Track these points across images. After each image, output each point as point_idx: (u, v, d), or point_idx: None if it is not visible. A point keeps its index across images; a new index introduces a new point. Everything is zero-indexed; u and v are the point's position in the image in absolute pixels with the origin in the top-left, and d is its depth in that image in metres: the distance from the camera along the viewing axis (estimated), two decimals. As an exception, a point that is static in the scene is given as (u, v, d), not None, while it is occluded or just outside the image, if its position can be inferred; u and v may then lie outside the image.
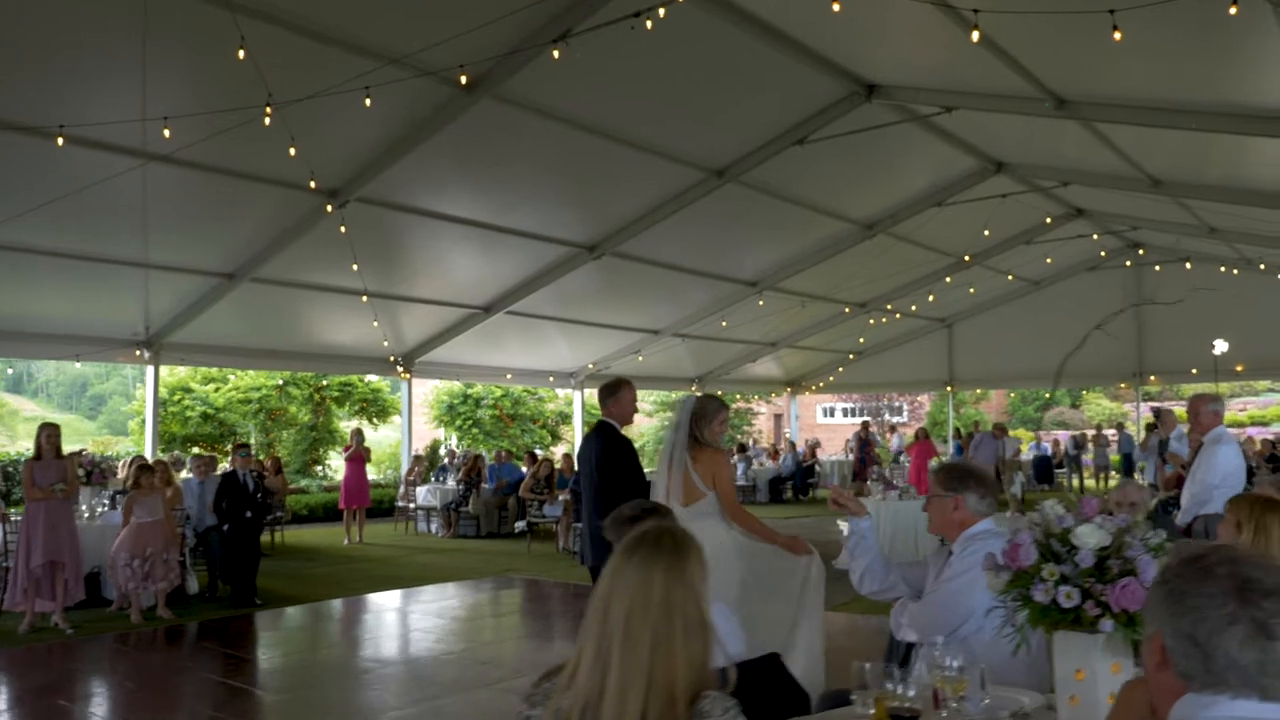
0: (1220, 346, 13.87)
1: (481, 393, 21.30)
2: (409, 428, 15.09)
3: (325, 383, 17.82)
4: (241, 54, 6.76)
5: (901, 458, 20.05)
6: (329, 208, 9.60)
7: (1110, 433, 23.93)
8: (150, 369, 12.46)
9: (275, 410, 17.41)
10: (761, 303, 15.64)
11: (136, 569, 7.70)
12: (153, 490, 8.01)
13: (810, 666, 4.91)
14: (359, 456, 13.12)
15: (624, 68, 9.11)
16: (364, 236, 10.57)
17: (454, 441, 20.61)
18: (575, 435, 19.18)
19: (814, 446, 21.60)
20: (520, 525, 13.78)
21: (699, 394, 6.96)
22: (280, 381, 17.50)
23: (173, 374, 17.07)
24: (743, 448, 20.76)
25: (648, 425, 28.77)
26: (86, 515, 8.61)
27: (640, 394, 29.40)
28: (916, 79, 9.98)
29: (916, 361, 20.81)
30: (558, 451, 18.92)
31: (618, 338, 16.62)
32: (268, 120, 7.41)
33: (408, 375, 14.68)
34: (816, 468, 19.81)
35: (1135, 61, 8.52)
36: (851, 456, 20.73)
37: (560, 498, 12.98)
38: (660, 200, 11.92)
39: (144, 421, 13.34)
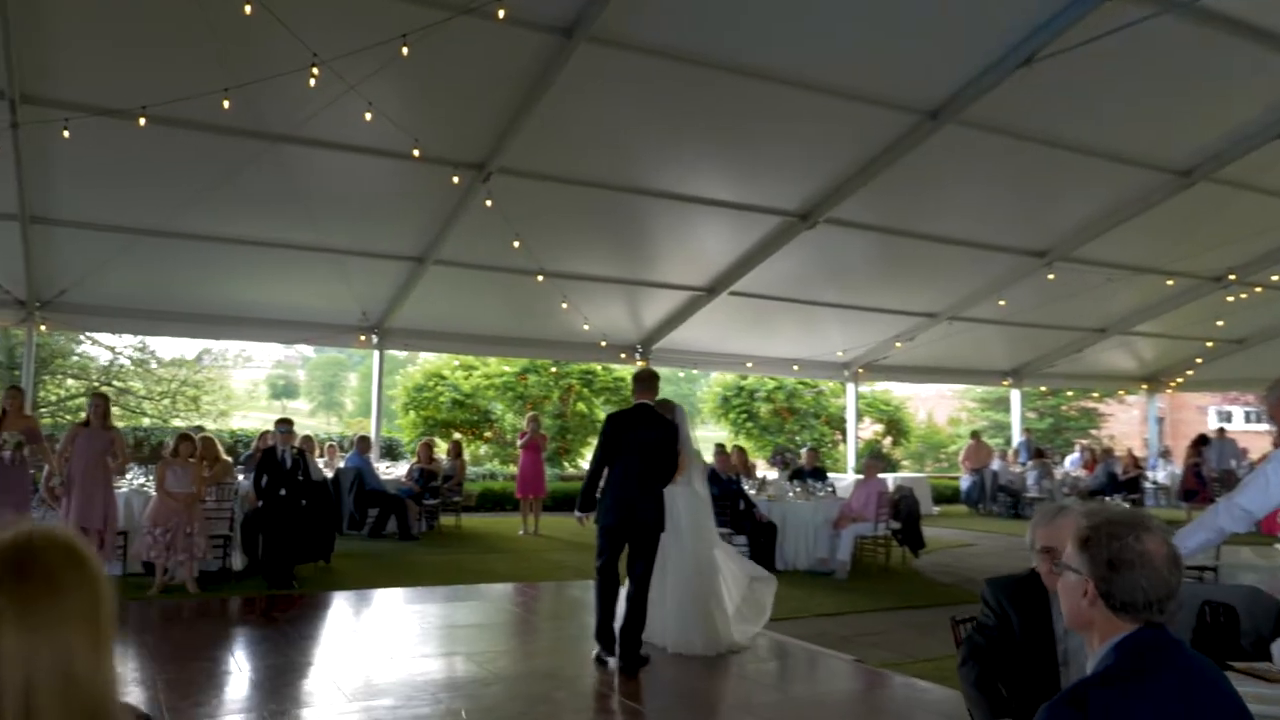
0: None
1: (754, 385, 19.92)
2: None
3: (554, 369, 17.58)
4: (248, 9, 6.39)
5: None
6: (454, 179, 9.08)
7: None
8: (376, 354, 12.92)
9: (538, 397, 17.50)
10: (1051, 276, 12.79)
11: (159, 538, 7.58)
12: (186, 462, 7.90)
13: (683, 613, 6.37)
14: (534, 444, 12.53)
15: None
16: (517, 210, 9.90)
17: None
18: (849, 430, 17.18)
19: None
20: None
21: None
22: (506, 369, 17.59)
23: (439, 360, 17.81)
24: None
25: (967, 419, 25.42)
26: (138, 484, 8.68)
27: (955, 389, 26.09)
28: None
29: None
30: (847, 449, 16.99)
31: (887, 323, 14.55)
32: (312, 82, 7.03)
33: (645, 363, 13.96)
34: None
35: None
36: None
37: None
38: (868, 156, 10.00)
39: (370, 404, 13.87)
